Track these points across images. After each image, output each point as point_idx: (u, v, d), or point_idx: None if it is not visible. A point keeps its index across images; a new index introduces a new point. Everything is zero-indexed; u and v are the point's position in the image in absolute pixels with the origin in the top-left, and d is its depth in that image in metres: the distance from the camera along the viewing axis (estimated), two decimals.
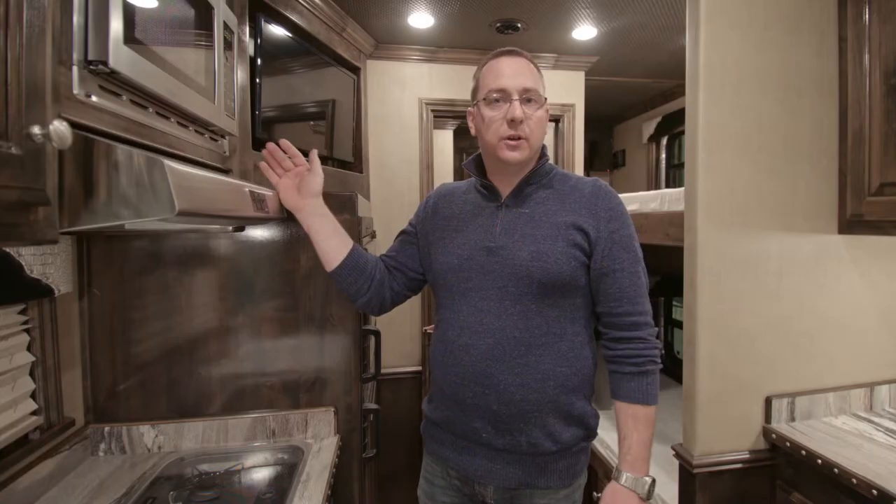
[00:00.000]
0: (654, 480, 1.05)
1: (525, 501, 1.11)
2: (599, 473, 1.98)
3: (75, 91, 0.70)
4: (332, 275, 1.20)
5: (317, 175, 1.20)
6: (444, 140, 3.86)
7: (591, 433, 1.15)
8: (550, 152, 3.04)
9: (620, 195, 1.18)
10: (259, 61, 1.66)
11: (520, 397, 1.06)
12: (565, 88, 2.89)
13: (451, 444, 1.15)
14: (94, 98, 0.73)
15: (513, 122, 1.05)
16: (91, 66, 0.71)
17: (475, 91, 1.14)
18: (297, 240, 1.42)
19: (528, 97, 1.07)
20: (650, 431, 1.07)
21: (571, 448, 1.10)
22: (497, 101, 1.07)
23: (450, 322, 1.13)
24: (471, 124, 1.16)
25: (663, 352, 1.12)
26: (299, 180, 1.19)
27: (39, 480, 1.08)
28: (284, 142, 1.20)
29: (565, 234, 1.06)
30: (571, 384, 1.09)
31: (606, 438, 1.99)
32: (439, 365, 1.16)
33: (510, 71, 1.08)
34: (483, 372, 1.07)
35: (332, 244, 1.18)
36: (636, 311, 1.08)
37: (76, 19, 0.69)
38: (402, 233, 1.30)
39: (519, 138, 1.06)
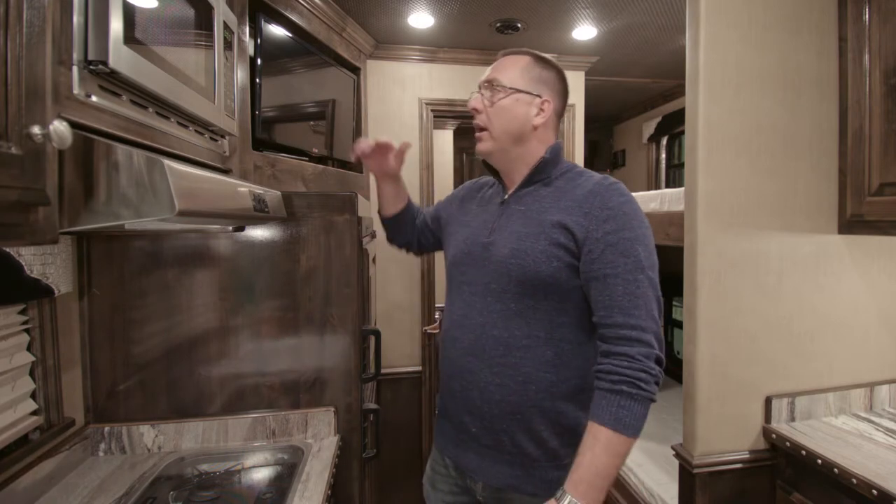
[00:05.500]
0: None
1: None
2: None
3: (75, 91, 0.70)
4: (389, 219, 1.35)
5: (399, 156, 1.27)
6: (444, 140, 3.86)
7: None
8: None
9: None
10: (259, 61, 1.66)
11: (499, 398, 1.04)
12: None
13: (450, 436, 1.16)
14: (94, 98, 0.73)
15: (474, 113, 1.10)
16: (91, 66, 0.71)
17: None
18: (297, 240, 1.42)
19: (489, 87, 1.09)
20: (611, 461, 0.91)
21: (562, 459, 1.04)
22: None
23: (447, 313, 1.16)
24: None
25: (658, 377, 0.94)
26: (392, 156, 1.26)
27: (39, 480, 1.08)
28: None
29: (549, 232, 1.01)
30: (559, 391, 1.03)
31: None
32: (440, 355, 1.19)
33: (491, 67, 1.12)
34: (465, 367, 1.08)
35: (402, 198, 1.33)
36: (628, 324, 0.94)
37: (76, 19, 0.69)
38: (438, 205, 1.35)
39: (480, 129, 1.10)
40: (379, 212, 1.37)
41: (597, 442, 0.91)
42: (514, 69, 1.09)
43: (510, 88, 1.08)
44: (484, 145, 1.10)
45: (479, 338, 1.06)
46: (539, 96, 1.08)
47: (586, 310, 1.04)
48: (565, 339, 1.03)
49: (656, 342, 0.95)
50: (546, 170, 1.09)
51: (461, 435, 1.13)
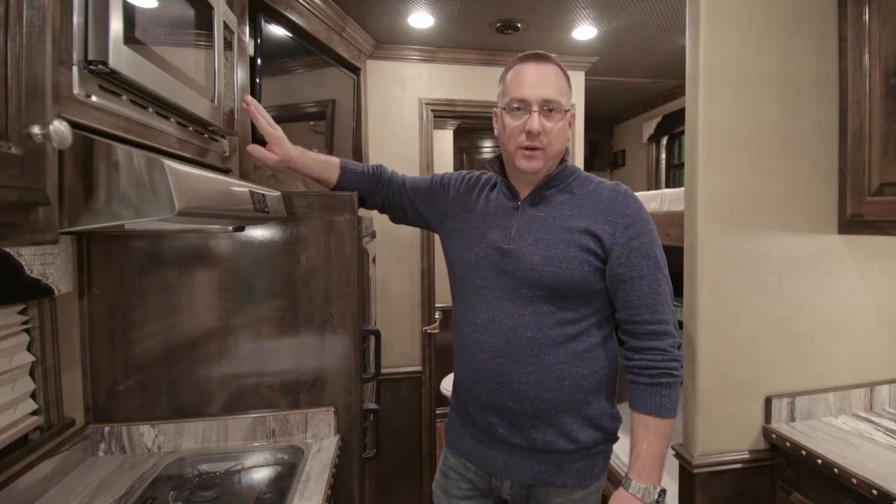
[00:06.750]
0: (663, 490, 1.04)
1: (541, 498, 1.12)
2: None
3: (75, 91, 0.70)
4: (336, 189, 1.37)
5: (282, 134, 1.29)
6: (444, 140, 3.87)
7: (611, 436, 1.14)
8: None
9: None
10: (259, 61, 1.66)
11: (534, 395, 1.06)
12: None
13: (472, 437, 1.16)
14: (94, 98, 0.73)
15: (530, 134, 1.04)
16: (91, 66, 0.71)
17: (500, 94, 1.14)
18: (297, 240, 1.42)
19: (549, 108, 1.05)
20: (662, 443, 1.05)
21: (590, 449, 1.10)
22: (518, 109, 1.06)
23: (465, 317, 1.15)
24: (495, 125, 1.17)
25: (682, 360, 1.09)
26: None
27: (39, 480, 1.08)
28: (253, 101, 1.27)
29: (577, 238, 1.05)
30: (588, 385, 1.08)
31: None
32: (458, 359, 1.18)
33: (533, 79, 1.05)
34: (496, 370, 1.08)
35: (329, 165, 1.35)
36: (655, 319, 1.05)
37: (76, 19, 0.69)
38: (433, 182, 1.32)
39: (535, 149, 1.06)
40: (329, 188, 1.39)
41: (648, 431, 1.04)
42: (560, 84, 1.08)
43: (567, 110, 1.08)
44: (538, 164, 1.07)
45: (510, 340, 1.06)
46: (569, 110, 1.10)
47: (609, 306, 1.11)
48: (592, 334, 1.09)
49: (675, 330, 1.07)
50: (563, 176, 1.12)
51: (484, 436, 1.14)
